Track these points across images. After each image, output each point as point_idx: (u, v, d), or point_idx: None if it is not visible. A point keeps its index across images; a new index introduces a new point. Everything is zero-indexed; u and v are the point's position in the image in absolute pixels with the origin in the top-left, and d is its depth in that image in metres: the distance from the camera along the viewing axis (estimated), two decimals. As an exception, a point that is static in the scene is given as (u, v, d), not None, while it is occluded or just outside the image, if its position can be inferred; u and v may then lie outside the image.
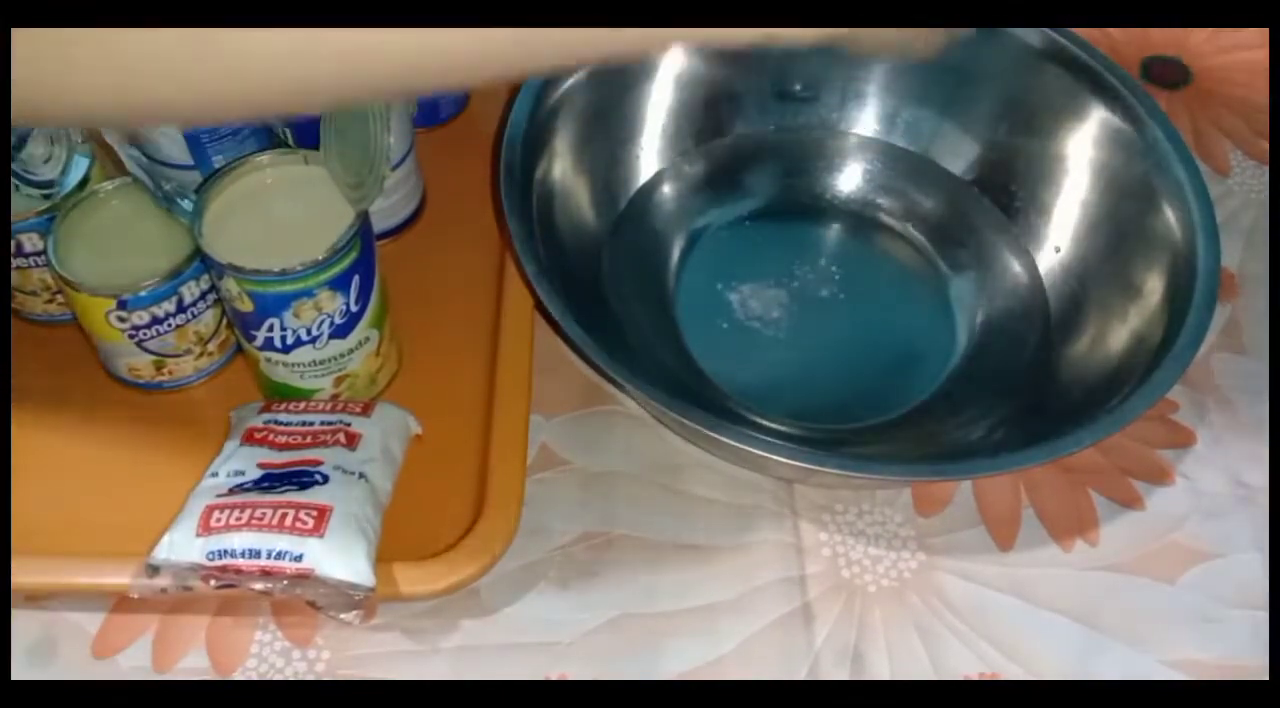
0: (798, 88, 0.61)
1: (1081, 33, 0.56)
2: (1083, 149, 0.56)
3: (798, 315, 0.57)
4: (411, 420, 0.49)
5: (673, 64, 0.58)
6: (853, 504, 0.51)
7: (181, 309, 0.48)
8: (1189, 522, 0.51)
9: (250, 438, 0.47)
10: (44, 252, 0.47)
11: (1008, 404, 0.52)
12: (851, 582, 0.48)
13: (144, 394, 0.52)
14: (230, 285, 0.45)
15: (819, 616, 0.47)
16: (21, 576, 0.44)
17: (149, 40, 0.28)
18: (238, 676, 0.45)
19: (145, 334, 0.48)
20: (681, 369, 0.54)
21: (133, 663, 0.45)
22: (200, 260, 0.47)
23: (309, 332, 0.46)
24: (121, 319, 0.47)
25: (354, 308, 0.47)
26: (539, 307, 0.50)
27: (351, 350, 0.48)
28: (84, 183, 0.49)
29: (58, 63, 0.29)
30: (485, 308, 0.54)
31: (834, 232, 0.61)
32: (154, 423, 0.51)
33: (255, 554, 0.42)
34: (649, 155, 0.59)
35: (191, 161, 0.53)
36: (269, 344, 0.47)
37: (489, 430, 0.49)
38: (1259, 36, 0.71)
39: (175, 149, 0.52)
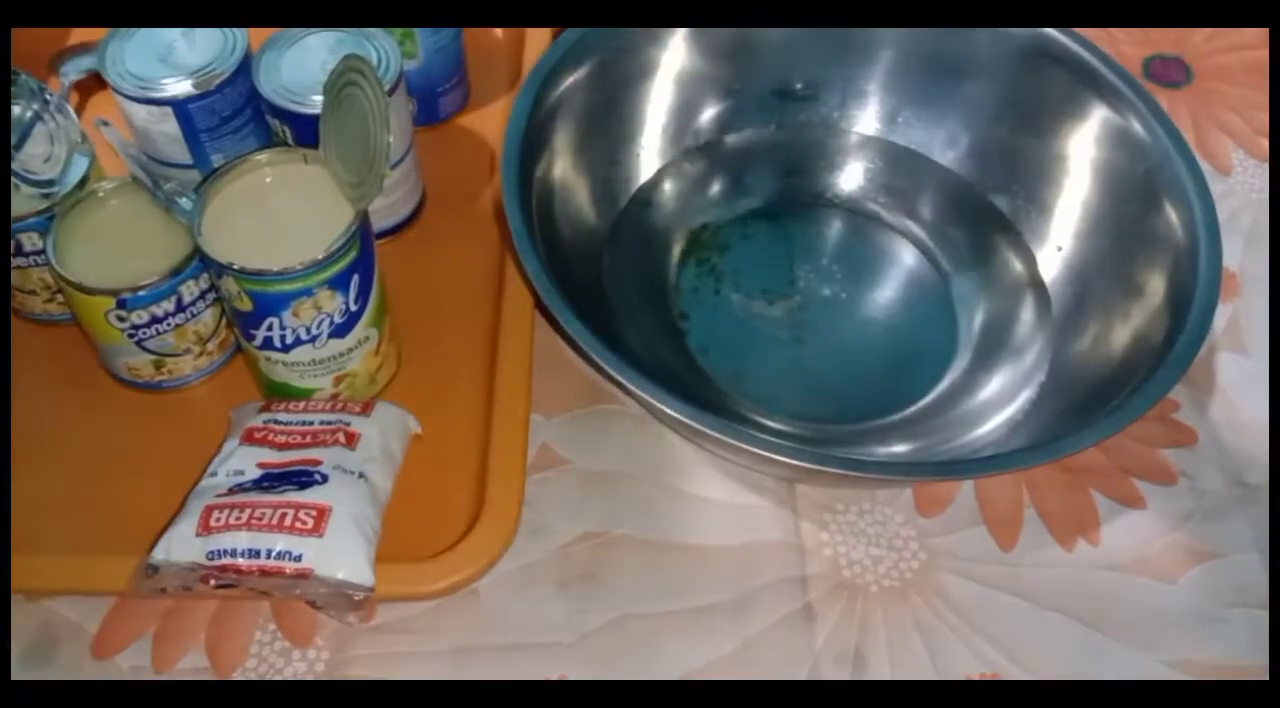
0: (798, 87, 0.61)
1: (1083, 32, 0.56)
2: (1084, 148, 0.56)
3: (798, 315, 0.57)
4: (411, 420, 0.49)
5: (673, 63, 0.58)
6: (853, 504, 0.51)
7: (181, 309, 0.48)
8: (1189, 522, 0.51)
9: (250, 438, 0.47)
10: (44, 251, 0.47)
11: (1008, 404, 0.52)
12: (852, 582, 0.48)
13: (144, 394, 0.52)
14: (230, 285, 0.44)
15: (820, 616, 0.47)
16: (21, 576, 0.44)
17: None
18: (238, 676, 0.45)
19: (145, 334, 0.48)
20: (681, 369, 0.54)
21: (133, 663, 0.45)
22: (199, 260, 0.47)
23: (308, 331, 0.46)
24: (121, 319, 0.47)
25: (353, 307, 0.47)
26: (539, 306, 0.50)
27: (351, 350, 0.48)
28: (84, 182, 0.49)
29: None
30: (485, 308, 0.54)
31: (835, 231, 0.61)
32: (154, 423, 0.51)
33: (255, 554, 0.42)
34: (649, 155, 0.59)
35: (191, 161, 0.53)
36: (268, 343, 0.47)
37: (489, 430, 0.49)
38: (1259, 36, 0.71)
39: (174, 148, 0.52)
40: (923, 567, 0.49)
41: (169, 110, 0.50)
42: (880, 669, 0.46)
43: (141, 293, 0.47)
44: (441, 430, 0.51)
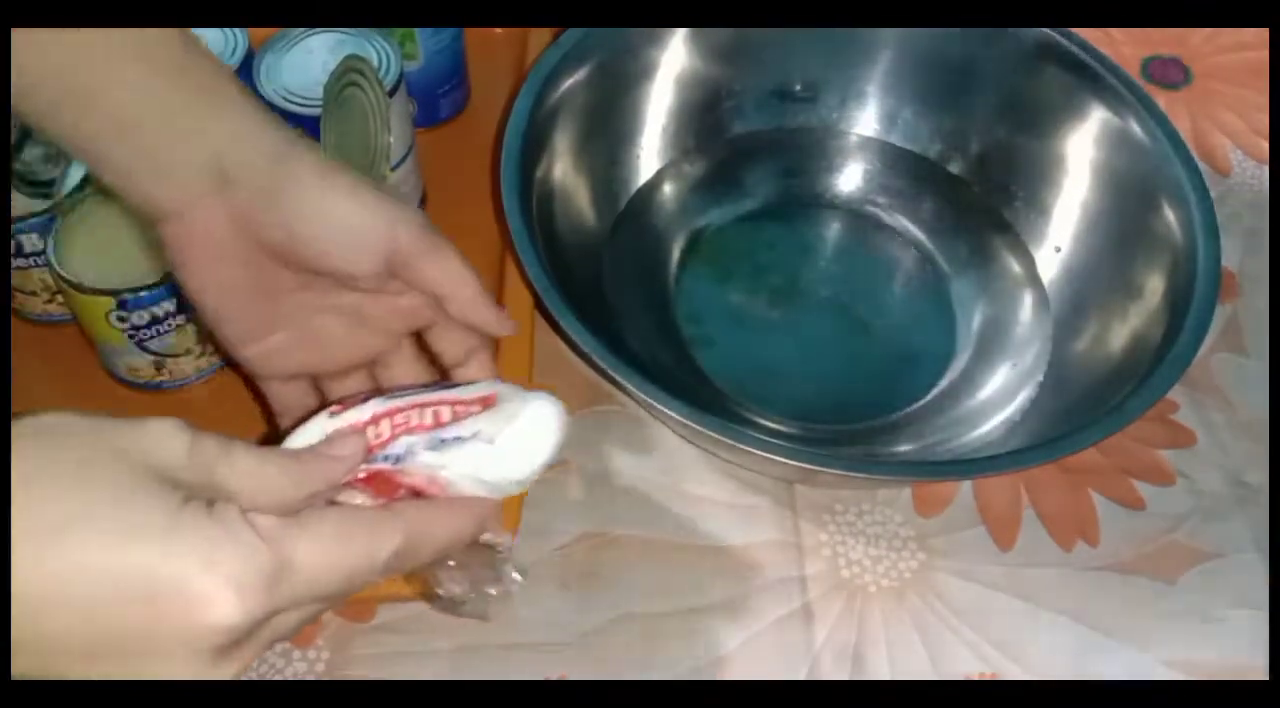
0: (798, 88, 0.61)
1: (1081, 32, 0.56)
2: (1083, 149, 0.56)
3: (798, 315, 0.57)
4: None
5: (673, 64, 0.58)
6: (853, 504, 0.51)
7: (181, 309, 0.48)
8: (1189, 522, 0.51)
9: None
10: (44, 252, 0.47)
11: (1008, 404, 0.52)
12: (852, 582, 0.48)
13: (144, 394, 0.52)
14: (230, 285, 0.44)
15: (819, 616, 0.47)
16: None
17: None
18: (238, 676, 0.45)
19: (145, 334, 0.48)
20: (681, 369, 0.54)
21: (133, 663, 0.45)
22: (200, 260, 0.47)
23: (309, 332, 0.46)
24: (121, 319, 0.47)
25: (354, 308, 0.47)
26: (539, 307, 0.50)
27: (351, 350, 0.48)
28: (84, 183, 0.49)
29: None
30: (485, 308, 0.54)
31: (834, 231, 0.61)
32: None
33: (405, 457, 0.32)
34: (649, 155, 0.59)
35: (191, 161, 0.53)
36: (269, 344, 0.47)
37: (489, 430, 0.49)
38: (1259, 36, 0.71)
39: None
40: (921, 567, 0.49)
41: (169, 111, 0.50)
42: (879, 669, 0.46)
43: (142, 294, 0.47)
44: (441, 431, 0.51)
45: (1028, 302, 0.56)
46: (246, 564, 0.26)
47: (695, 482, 0.51)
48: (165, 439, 0.28)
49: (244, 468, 0.29)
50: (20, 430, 0.27)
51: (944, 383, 0.54)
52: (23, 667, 0.26)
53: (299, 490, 0.30)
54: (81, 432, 0.27)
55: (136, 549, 0.26)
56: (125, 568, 0.26)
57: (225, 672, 0.27)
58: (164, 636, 0.26)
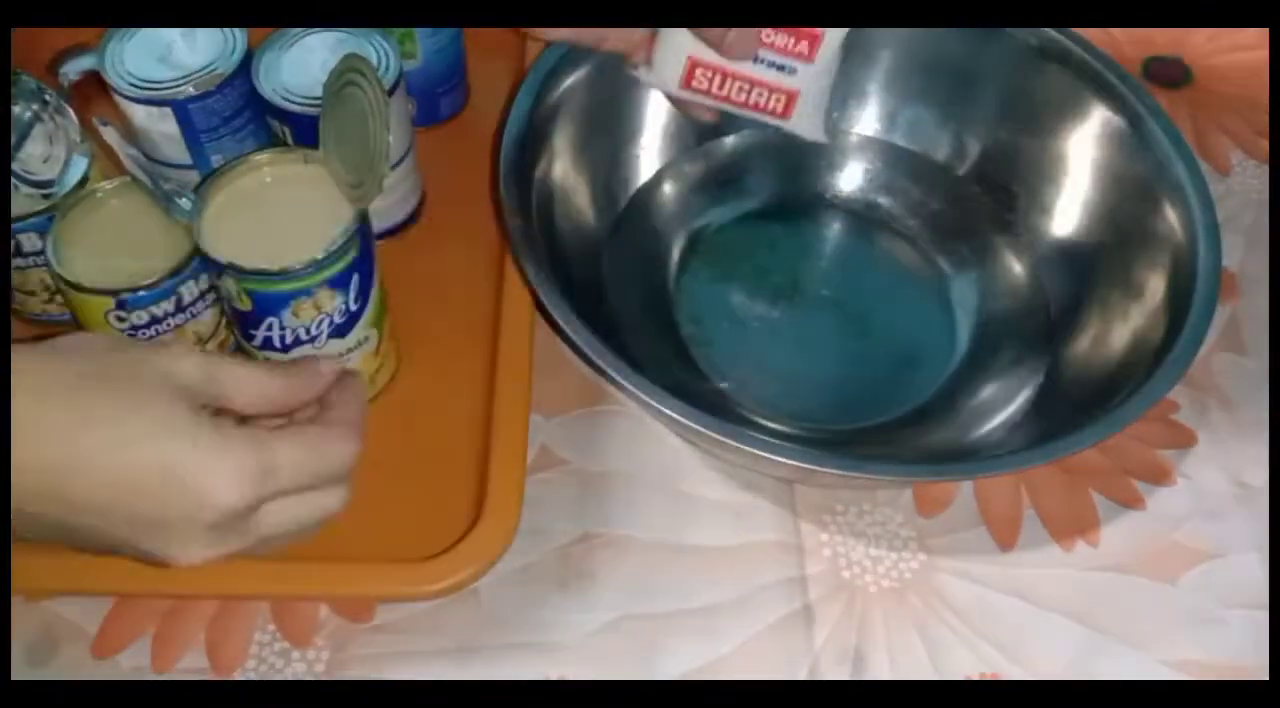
0: (798, 87, 0.61)
1: (1083, 32, 0.56)
2: (1083, 148, 0.56)
3: (798, 315, 0.57)
4: None
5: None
6: (853, 505, 0.51)
7: (180, 309, 0.48)
8: (1189, 522, 0.51)
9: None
10: (43, 251, 0.47)
11: (1008, 404, 0.52)
12: (852, 582, 0.48)
13: (143, 394, 0.52)
14: (229, 284, 0.44)
15: (819, 616, 0.47)
16: (21, 576, 0.44)
17: None
18: (237, 676, 0.45)
19: (144, 334, 0.48)
20: (681, 369, 0.54)
21: (133, 663, 0.45)
22: (199, 260, 0.47)
23: (308, 331, 0.46)
24: (121, 319, 0.47)
25: (353, 307, 0.47)
26: (539, 307, 0.50)
27: (351, 350, 0.48)
28: (83, 182, 0.49)
29: None
30: (485, 308, 0.54)
31: (834, 231, 0.61)
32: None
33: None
34: (649, 155, 0.59)
35: (190, 161, 0.53)
36: (268, 343, 0.47)
37: (489, 430, 0.49)
38: (1259, 36, 0.71)
39: (174, 149, 0.52)
40: (922, 567, 0.49)
41: (169, 110, 0.50)
42: (880, 670, 0.46)
43: (141, 293, 0.47)
44: (441, 430, 0.51)
45: (1027, 302, 0.56)
46: (244, 461, 0.34)
47: (695, 482, 0.51)
48: (179, 359, 0.36)
49: (244, 380, 0.38)
50: (43, 347, 0.35)
51: (944, 383, 0.54)
52: (45, 509, 0.34)
53: (288, 398, 0.39)
54: (99, 349, 0.36)
55: (155, 444, 0.34)
56: (145, 456, 0.34)
57: (216, 549, 0.35)
58: (173, 509, 0.34)
